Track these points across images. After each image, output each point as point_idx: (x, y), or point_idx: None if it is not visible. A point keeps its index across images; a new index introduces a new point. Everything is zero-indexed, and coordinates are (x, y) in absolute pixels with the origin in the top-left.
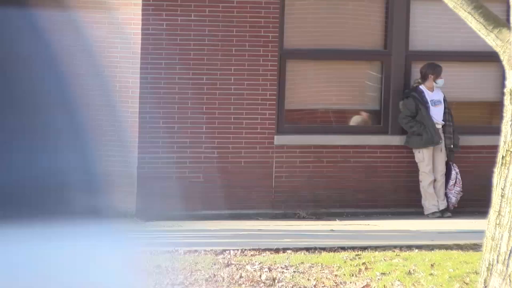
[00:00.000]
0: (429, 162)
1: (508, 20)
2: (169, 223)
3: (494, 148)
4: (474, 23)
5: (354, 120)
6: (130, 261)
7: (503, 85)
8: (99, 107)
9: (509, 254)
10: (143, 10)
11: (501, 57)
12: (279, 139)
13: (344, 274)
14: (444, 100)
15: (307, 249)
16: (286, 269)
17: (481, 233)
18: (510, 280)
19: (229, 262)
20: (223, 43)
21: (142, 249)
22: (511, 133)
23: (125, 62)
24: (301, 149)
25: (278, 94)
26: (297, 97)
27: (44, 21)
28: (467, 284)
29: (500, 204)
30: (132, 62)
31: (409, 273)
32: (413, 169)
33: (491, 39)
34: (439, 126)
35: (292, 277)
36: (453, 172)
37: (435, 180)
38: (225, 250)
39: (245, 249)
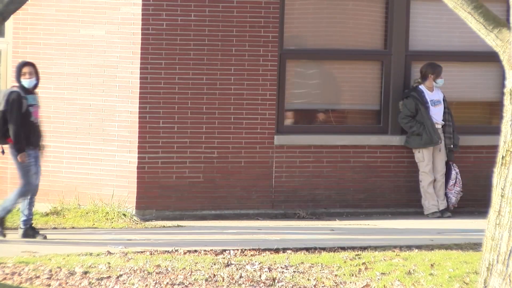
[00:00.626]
0: (428, 162)
1: (508, 20)
2: (169, 223)
3: (494, 148)
4: (474, 23)
5: (354, 120)
6: None
7: (503, 85)
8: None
9: (509, 254)
10: (143, 10)
11: (501, 57)
12: (279, 139)
13: (344, 274)
14: (444, 100)
15: (307, 249)
16: (286, 269)
17: (481, 233)
18: (510, 280)
19: (229, 262)
20: (223, 43)
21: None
22: (511, 133)
23: (125, 62)
24: (301, 149)
25: (278, 94)
26: (297, 97)
27: None
28: (467, 284)
29: (500, 204)
30: (132, 62)
31: (409, 273)
32: (413, 169)
33: (491, 39)
34: (439, 126)
35: (292, 277)
36: (453, 172)
37: (435, 180)
38: (225, 250)
39: (245, 249)
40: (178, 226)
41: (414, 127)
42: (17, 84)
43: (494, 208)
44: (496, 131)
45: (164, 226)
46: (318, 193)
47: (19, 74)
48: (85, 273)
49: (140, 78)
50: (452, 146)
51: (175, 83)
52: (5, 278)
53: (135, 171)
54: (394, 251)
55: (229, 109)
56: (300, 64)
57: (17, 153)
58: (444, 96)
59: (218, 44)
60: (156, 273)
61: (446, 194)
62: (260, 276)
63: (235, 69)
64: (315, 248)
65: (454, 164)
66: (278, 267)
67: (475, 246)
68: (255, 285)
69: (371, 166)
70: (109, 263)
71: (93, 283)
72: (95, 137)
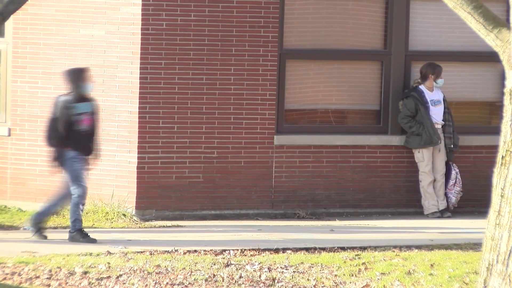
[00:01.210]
0: (428, 162)
1: (508, 20)
2: (169, 222)
3: (494, 148)
4: (473, 23)
5: (354, 120)
6: None
7: (502, 85)
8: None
9: (509, 254)
10: (143, 10)
11: (501, 57)
12: (278, 139)
13: (343, 274)
14: (444, 100)
15: (307, 249)
16: (286, 269)
17: (480, 233)
18: (510, 280)
19: (229, 262)
20: (223, 43)
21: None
22: (511, 133)
23: (125, 62)
24: (300, 149)
25: (278, 94)
26: (297, 97)
27: None
28: (466, 284)
29: (500, 204)
30: (132, 62)
31: (409, 273)
32: (413, 169)
33: (490, 39)
34: (438, 126)
35: (292, 277)
36: (453, 172)
37: (434, 180)
38: (224, 250)
39: (245, 249)
40: (178, 226)
41: (413, 127)
42: (67, 92)
43: (494, 208)
44: (496, 131)
45: (164, 226)
46: (318, 193)
47: (77, 79)
48: (85, 273)
49: (140, 78)
50: (452, 146)
51: (175, 83)
52: (5, 278)
53: (135, 171)
54: (394, 251)
55: (229, 109)
56: (300, 64)
57: (69, 160)
58: (444, 96)
59: (218, 44)
60: (156, 273)
61: (446, 194)
62: (260, 276)
63: (235, 69)
64: (315, 248)
65: (454, 164)
66: (278, 267)
67: (475, 246)
68: (255, 285)
69: (371, 166)
70: (109, 263)
71: (93, 283)
72: None
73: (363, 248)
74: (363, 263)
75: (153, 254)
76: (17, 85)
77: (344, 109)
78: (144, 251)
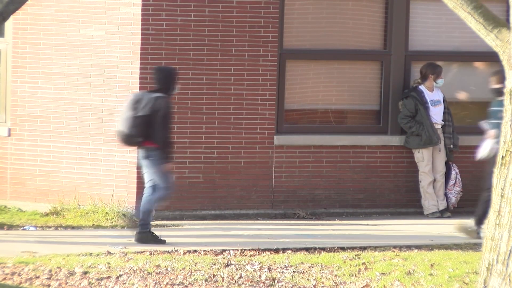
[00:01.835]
0: (428, 162)
1: (507, 20)
2: (169, 223)
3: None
4: (473, 23)
5: (354, 120)
6: None
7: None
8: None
9: (509, 254)
10: (142, 10)
11: (501, 57)
12: (278, 139)
13: (343, 274)
14: (444, 100)
15: (307, 249)
16: (286, 269)
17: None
18: (510, 280)
19: (229, 262)
20: (223, 43)
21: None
22: (511, 133)
23: (124, 62)
24: (300, 149)
25: (278, 94)
26: (297, 97)
27: None
28: (466, 284)
29: (500, 204)
30: (132, 62)
31: (409, 273)
32: (413, 169)
33: (490, 39)
34: (438, 126)
35: (292, 277)
36: (453, 172)
37: (434, 180)
38: (224, 250)
39: (245, 249)
40: (178, 226)
41: (413, 127)
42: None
43: (494, 208)
44: None
45: (163, 226)
46: (318, 193)
47: (173, 81)
48: (85, 273)
49: (140, 78)
50: (452, 146)
51: None
52: (5, 278)
53: (135, 171)
54: (393, 251)
55: (228, 109)
56: (300, 64)
57: (165, 160)
58: (444, 96)
59: (217, 44)
60: (156, 273)
61: (446, 194)
62: (260, 276)
63: (235, 69)
64: (315, 248)
65: (454, 164)
66: (277, 267)
67: (475, 246)
68: (254, 285)
69: (371, 166)
70: (109, 263)
71: (93, 283)
72: (94, 137)
73: (363, 248)
74: (363, 263)
75: (153, 254)
76: (17, 85)
77: (344, 109)
78: (144, 251)
